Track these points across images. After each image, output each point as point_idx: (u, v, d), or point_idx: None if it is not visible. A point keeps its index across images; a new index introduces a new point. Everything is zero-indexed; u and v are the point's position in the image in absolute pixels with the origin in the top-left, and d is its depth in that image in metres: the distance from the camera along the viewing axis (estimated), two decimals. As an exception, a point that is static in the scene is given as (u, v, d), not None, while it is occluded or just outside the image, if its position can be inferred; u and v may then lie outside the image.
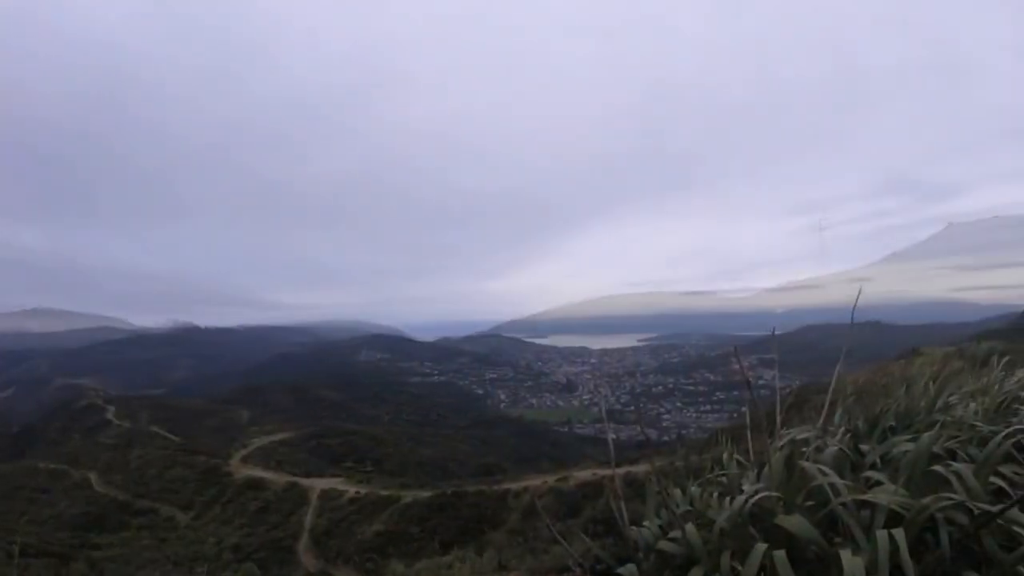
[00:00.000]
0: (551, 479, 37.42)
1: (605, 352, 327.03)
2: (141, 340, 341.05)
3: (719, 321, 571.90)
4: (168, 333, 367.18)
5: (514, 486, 38.00)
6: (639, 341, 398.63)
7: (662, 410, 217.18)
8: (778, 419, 3.94)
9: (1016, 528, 2.56)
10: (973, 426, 3.64)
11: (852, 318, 4.74)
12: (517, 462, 79.80)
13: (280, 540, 38.72)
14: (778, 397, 4.35)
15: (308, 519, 41.21)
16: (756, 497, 2.89)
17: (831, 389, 4.36)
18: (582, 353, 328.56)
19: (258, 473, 52.98)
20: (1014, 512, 2.57)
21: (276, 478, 50.46)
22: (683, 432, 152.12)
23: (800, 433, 3.82)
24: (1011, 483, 3.04)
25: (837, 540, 2.74)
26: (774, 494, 2.97)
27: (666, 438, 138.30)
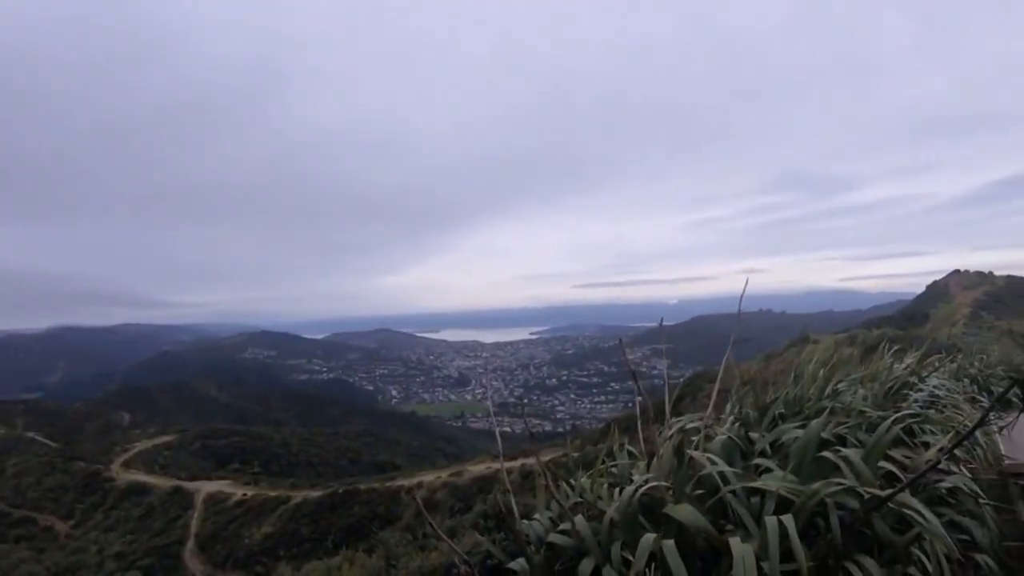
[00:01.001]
0: (445, 474, 37.36)
1: (498, 345, 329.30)
2: (14, 342, 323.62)
3: (614, 312, 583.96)
4: (44, 334, 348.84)
5: (407, 482, 37.79)
6: (532, 334, 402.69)
7: (556, 402, 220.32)
8: (667, 408, 3.93)
9: (907, 511, 2.59)
10: (862, 412, 3.68)
11: (740, 307, 4.81)
12: (410, 458, 79.45)
13: (165, 546, 37.48)
14: (667, 386, 4.34)
15: (194, 523, 40.02)
16: (645, 487, 2.85)
17: (719, 378, 4.39)
18: (475, 347, 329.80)
19: (141, 478, 51.15)
20: (904, 496, 2.60)
21: (160, 482, 48.82)
22: (576, 423, 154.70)
23: (690, 422, 3.80)
24: (902, 467, 3.09)
25: (728, 528, 2.70)
26: (663, 484, 2.93)
27: (560, 430, 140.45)
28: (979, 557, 3.29)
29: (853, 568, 2.45)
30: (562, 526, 3.02)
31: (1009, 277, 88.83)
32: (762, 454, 3.31)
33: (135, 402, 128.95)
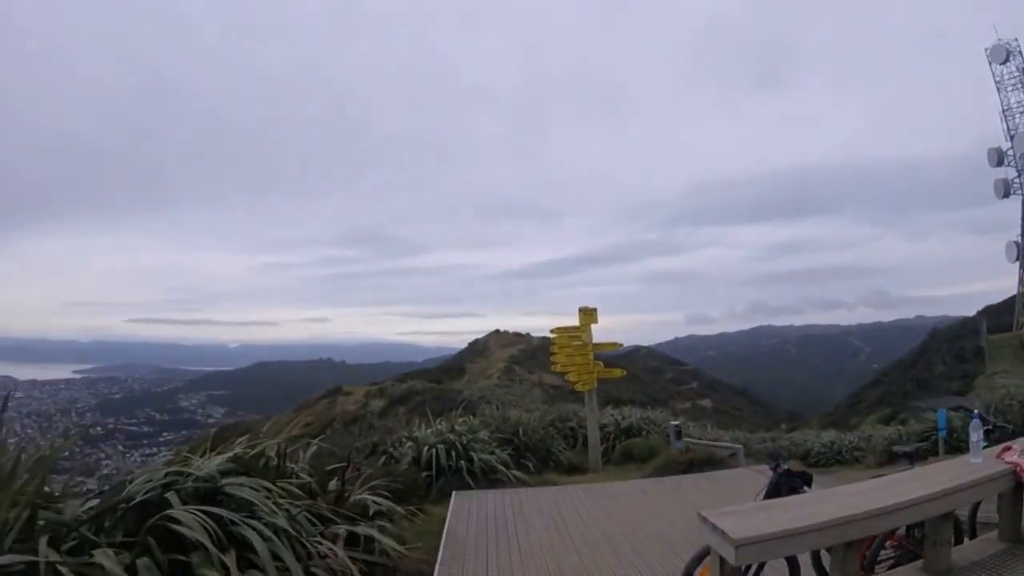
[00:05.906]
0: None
1: (35, 384, 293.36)
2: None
3: (169, 353, 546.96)
4: None
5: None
6: (75, 372, 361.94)
7: (102, 455, 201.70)
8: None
9: None
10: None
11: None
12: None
13: None
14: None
15: None
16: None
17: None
18: (7, 384, 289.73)
19: None
20: None
21: None
22: (127, 480, 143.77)
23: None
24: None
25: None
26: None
27: (107, 487, 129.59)
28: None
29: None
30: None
31: (543, 338, 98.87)
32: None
33: None
